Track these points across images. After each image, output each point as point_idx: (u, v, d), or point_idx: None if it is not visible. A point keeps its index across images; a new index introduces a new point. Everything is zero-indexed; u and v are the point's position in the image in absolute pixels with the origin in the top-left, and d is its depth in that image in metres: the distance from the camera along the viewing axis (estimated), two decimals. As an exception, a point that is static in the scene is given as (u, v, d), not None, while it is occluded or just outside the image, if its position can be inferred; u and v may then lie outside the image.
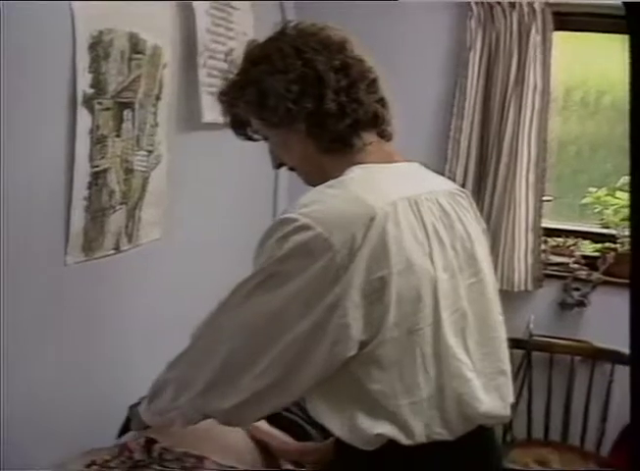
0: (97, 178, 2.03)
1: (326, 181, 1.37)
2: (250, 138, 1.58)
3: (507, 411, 1.47)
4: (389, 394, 1.32)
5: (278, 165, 1.57)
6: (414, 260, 1.31)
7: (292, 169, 1.54)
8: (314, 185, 1.41)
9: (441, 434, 1.37)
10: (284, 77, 1.39)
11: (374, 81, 1.46)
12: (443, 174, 3.27)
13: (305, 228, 1.25)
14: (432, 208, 1.39)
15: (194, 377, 1.41)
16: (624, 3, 1.06)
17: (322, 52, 1.41)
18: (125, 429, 1.85)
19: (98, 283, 2.13)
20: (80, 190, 1.99)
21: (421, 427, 1.34)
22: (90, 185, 2.01)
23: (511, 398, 1.49)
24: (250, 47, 1.50)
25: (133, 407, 1.90)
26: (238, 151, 2.81)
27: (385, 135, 1.49)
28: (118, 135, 2.09)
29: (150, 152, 2.27)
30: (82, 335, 2.12)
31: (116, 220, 2.15)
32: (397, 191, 1.35)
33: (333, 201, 1.29)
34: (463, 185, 3.27)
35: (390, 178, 1.41)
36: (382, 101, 1.47)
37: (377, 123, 1.46)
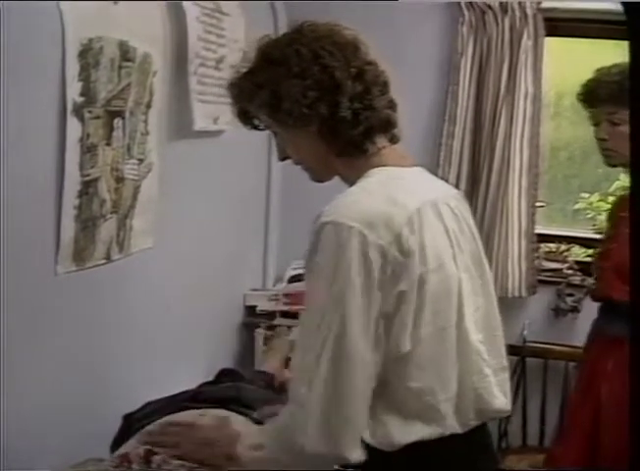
0: (88, 186, 2.03)
1: (332, 177, 1.50)
2: (256, 128, 1.60)
3: (510, 407, 1.56)
4: (427, 392, 1.40)
5: (283, 158, 1.59)
6: (444, 260, 1.39)
7: (297, 163, 1.56)
8: (321, 181, 1.53)
9: (454, 427, 1.44)
10: (301, 82, 1.41)
11: (386, 85, 1.49)
12: (435, 180, 3.30)
13: (358, 233, 1.31)
14: (448, 211, 1.47)
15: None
16: (623, 3, 1.08)
17: (338, 56, 1.43)
18: (118, 439, 1.90)
19: (89, 292, 2.12)
20: (71, 199, 1.98)
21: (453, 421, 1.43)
22: (81, 194, 2.01)
23: (510, 395, 1.57)
24: (265, 43, 1.50)
25: (127, 417, 1.98)
26: (229, 159, 2.93)
27: (393, 138, 1.53)
28: (108, 144, 2.08)
29: (141, 161, 2.27)
30: (73, 345, 2.11)
31: (107, 229, 2.15)
32: (420, 194, 1.43)
33: (372, 202, 1.36)
34: None
35: (411, 181, 1.47)
36: (392, 103, 1.51)
37: (389, 128, 1.50)
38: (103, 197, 2.10)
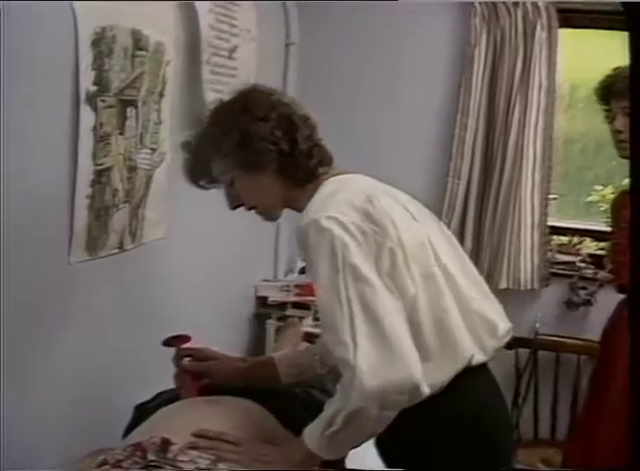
0: (100, 176, 2.02)
1: (282, 213, 1.79)
2: (202, 187, 1.83)
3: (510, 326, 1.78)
4: (439, 323, 1.64)
5: (235, 206, 1.81)
6: (409, 222, 1.66)
7: (250, 208, 1.79)
8: (273, 220, 1.82)
9: (475, 351, 1.68)
10: (266, 124, 1.68)
11: (317, 131, 1.79)
12: (447, 171, 3.29)
13: (334, 220, 1.55)
14: (399, 194, 1.76)
15: None
16: (622, 3, 1.11)
17: (289, 106, 1.75)
18: (130, 430, 1.85)
19: (102, 282, 2.12)
20: (84, 189, 1.99)
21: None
22: (94, 184, 2.01)
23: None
24: (220, 104, 1.77)
25: (139, 407, 1.96)
26: None
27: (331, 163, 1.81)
28: (121, 133, 2.08)
29: (154, 150, 2.26)
30: (86, 333, 2.11)
31: (119, 218, 2.15)
32: (370, 184, 1.73)
33: (334, 198, 1.62)
34: (469, 183, 3.26)
35: (359, 178, 1.76)
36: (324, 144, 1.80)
37: (331, 161, 1.80)
38: (116, 187, 2.10)
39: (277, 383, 1.92)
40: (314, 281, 1.58)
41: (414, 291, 1.59)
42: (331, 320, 1.53)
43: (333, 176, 1.73)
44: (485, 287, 1.80)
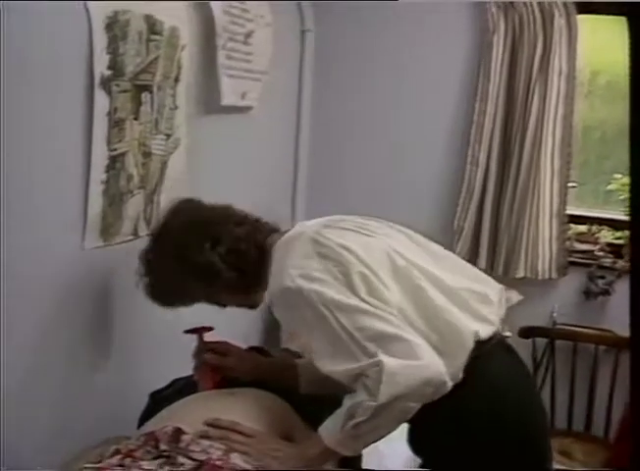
0: (115, 161, 2.01)
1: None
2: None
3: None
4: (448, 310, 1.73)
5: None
6: (365, 240, 1.74)
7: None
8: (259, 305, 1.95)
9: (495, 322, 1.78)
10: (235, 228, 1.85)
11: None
12: (465, 158, 3.24)
13: (305, 276, 1.66)
14: (340, 221, 1.83)
15: None
16: (623, 3, 1.07)
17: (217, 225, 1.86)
18: (145, 418, 1.86)
19: (116, 268, 2.10)
20: (98, 174, 1.97)
21: None
22: (108, 169, 2.00)
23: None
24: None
25: (154, 394, 1.98)
26: (257, 135, 2.92)
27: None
28: (136, 118, 2.06)
29: (169, 136, 2.24)
30: (98, 320, 2.11)
31: (134, 204, 2.13)
32: (311, 226, 1.80)
33: (291, 256, 1.71)
34: (487, 170, 3.20)
35: (298, 229, 1.83)
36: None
37: (274, 230, 1.91)
38: (130, 172, 2.09)
39: (295, 390, 1.91)
40: (305, 339, 1.69)
41: (397, 299, 1.64)
42: (339, 352, 1.59)
43: (278, 238, 1.80)
44: (471, 271, 1.87)
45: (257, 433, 1.67)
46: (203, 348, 1.94)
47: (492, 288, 1.81)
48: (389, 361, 1.52)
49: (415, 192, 3.36)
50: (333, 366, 1.59)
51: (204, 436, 1.61)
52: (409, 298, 1.66)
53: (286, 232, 1.81)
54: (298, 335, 1.81)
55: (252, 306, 1.93)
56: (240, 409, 1.72)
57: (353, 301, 1.59)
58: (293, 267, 1.64)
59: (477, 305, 1.73)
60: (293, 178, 3.41)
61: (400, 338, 1.56)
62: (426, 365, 1.55)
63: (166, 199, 2.23)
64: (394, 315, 1.60)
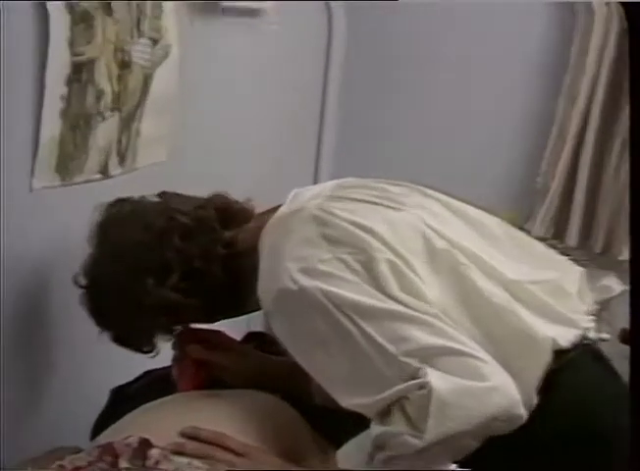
0: (80, 71, 1.75)
1: None
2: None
3: None
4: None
5: None
6: (387, 214, 1.47)
7: None
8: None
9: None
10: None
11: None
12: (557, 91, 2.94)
13: (307, 271, 1.38)
14: (350, 189, 1.58)
15: None
16: (622, 3, 1.16)
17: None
18: (102, 423, 1.66)
19: (77, 218, 1.78)
20: (55, 86, 1.70)
21: None
22: (70, 81, 1.74)
23: None
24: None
25: (117, 391, 1.79)
26: (272, 50, 2.62)
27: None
28: (109, 14, 1.81)
29: (155, 41, 2.01)
30: (54, 279, 1.84)
31: (105, 132, 1.89)
32: (311, 198, 1.53)
33: (285, 245, 1.43)
34: (587, 112, 2.81)
35: (291, 204, 1.57)
36: None
37: (251, 215, 1.70)
38: (101, 87, 1.84)
39: (307, 400, 1.65)
40: (311, 357, 1.39)
41: (437, 296, 1.37)
42: (364, 376, 1.31)
43: (264, 221, 1.54)
44: (542, 253, 1.62)
45: (251, 449, 1.44)
46: (188, 338, 1.72)
47: (571, 275, 1.57)
48: (439, 384, 1.23)
49: (478, 132, 2.98)
50: (357, 397, 1.32)
51: (179, 451, 1.39)
52: (454, 295, 1.40)
53: (274, 209, 1.56)
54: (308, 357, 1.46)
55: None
56: (228, 416, 1.51)
57: (381, 302, 1.32)
58: (291, 259, 1.39)
59: (553, 301, 1.47)
60: (320, 107, 3.06)
61: (452, 350, 1.28)
62: (494, 388, 1.25)
63: (149, 127, 2.02)
64: (439, 318, 1.32)
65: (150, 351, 1.69)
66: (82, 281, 1.63)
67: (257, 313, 1.59)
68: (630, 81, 0.94)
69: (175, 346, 1.73)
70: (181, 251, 1.56)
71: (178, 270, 1.55)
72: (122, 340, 1.67)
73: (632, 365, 0.97)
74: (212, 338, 1.75)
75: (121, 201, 1.65)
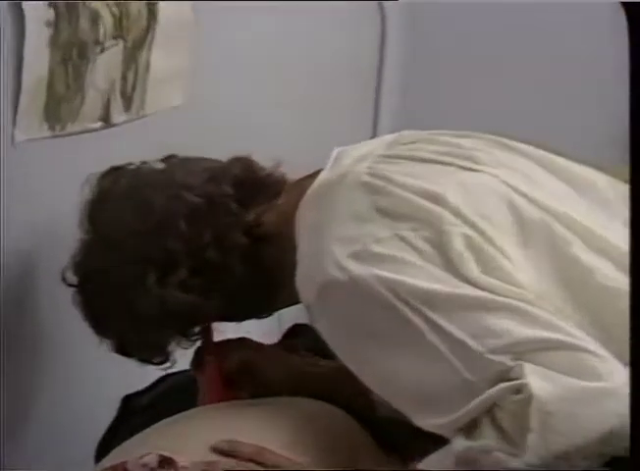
0: None
1: None
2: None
3: None
4: None
5: None
6: (458, 176, 1.31)
7: None
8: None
9: None
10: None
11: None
12: None
13: (359, 256, 1.21)
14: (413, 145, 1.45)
15: None
16: (622, 3, 0.77)
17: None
18: (112, 437, 1.50)
19: (70, 175, 1.55)
20: (41, 9, 1.47)
21: None
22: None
23: None
24: None
25: (129, 400, 1.60)
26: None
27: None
28: None
29: None
30: (44, 247, 1.64)
31: (105, 67, 1.63)
32: (360, 159, 1.36)
33: (331, 218, 1.27)
34: None
35: (337, 167, 1.40)
36: None
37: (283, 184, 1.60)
38: (97, 11, 1.57)
39: (369, 412, 1.42)
40: (368, 363, 1.20)
41: (531, 278, 1.17)
42: (441, 383, 1.11)
43: (299, 195, 1.35)
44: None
45: (299, 466, 1.26)
46: (211, 348, 1.54)
47: None
48: (541, 386, 1.01)
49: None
50: (433, 415, 1.11)
51: (210, 469, 1.22)
52: (553, 276, 1.19)
53: (312, 176, 1.38)
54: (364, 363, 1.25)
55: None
56: (270, 426, 1.32)
57: (457, 288, 1.13)
58: (337, 241, 1.21)
59: None
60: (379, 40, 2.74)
61: (557, 343, 1.06)
62: (614, 392, 1.00)
63: (161, 60, 1.76)
64: (535, 304, 1.11)
65: (164, 362, 1.51)
66: (71, 277, 1.45)
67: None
68: (630, 81, 0.76)
69: (193, 363, 1.53)
70: (188, 240, 1.38)
71: (185, 264, 1.37)
72: (125, 351, 1.50)
73: (632, 365, 0.80)
74: (239, 344, 1.55)
75: (115, 171, 1.45)
